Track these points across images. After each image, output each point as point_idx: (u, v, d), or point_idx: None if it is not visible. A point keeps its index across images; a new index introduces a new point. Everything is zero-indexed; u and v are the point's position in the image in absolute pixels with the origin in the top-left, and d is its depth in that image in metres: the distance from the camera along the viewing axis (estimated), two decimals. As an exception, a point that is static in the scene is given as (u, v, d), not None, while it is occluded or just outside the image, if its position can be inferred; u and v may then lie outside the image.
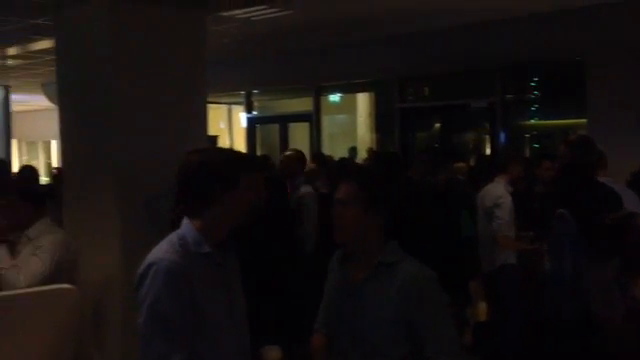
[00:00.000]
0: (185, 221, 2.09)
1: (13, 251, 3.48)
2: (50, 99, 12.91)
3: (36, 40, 7.70)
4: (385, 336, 2.14)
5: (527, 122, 8.96)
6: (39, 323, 0.69)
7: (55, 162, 17.18)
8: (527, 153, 8.52)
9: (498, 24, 7.94)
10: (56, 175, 6.81)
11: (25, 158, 18.05)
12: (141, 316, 1.95)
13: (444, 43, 8.64)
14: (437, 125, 10.04)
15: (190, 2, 4.36)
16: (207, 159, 2.08)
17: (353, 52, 9.54)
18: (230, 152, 2.21)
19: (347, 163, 7.52)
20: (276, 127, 11.90)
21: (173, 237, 2.07)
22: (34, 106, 15.85)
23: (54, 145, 17.85)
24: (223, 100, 12.98)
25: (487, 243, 4.81)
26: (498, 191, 4.75)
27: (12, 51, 8.85)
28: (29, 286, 3.10)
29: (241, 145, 12.45)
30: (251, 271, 2.39)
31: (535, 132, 9.02)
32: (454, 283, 3.83)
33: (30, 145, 18.75)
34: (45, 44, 7.90)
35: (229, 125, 14.15)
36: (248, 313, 2.22)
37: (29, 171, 6.42)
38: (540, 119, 8.83)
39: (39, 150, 18.67)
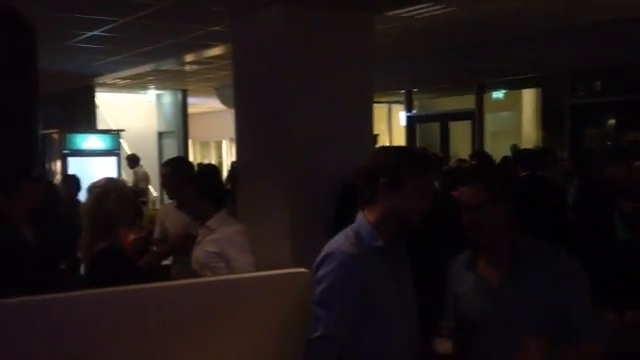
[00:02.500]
0: (359, 215, 2.21)
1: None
2: (223, 102, 13.74)
3: (211, 47, 8.23)
4: (539, 327, 2.09)
5: None
6: (275, 307, 0.75)
7: (225, 161, 18.26)
8: None
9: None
10: (232, 172, 7.28)
11: (198, 157, 19.28)
12: (315, 297, 2.05)
13: (619, 35, 8.06)
14: (611, 122, 9.41)
15: (358, 4, 4.45)
16: (378, 157, 2.19)
17: (518, 46, 9.19)
18: (403, 152, 2.26)
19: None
20: (436, 126, 11.78)
21: (349, 230, 2.18)
22: (207, 108, 16.93)
23: (224, 145, 18.97)
24: (383, 99, 13.07)
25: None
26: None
27: (189, 58, 9.52)
28: None
29: (401, 144, 12.48)
30: (423, 268, 2.41)
31: None
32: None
33: (203, 145, 20.00)
34: (219, 50, 8.45)
35: (389, 124, 14.23)
36: (419, 308, 2.26)
37: (210, 168, 6.93)
38: None
39: (211, 149, 19.89)
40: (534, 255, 2.18)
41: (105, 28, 6.72)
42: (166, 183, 4.76)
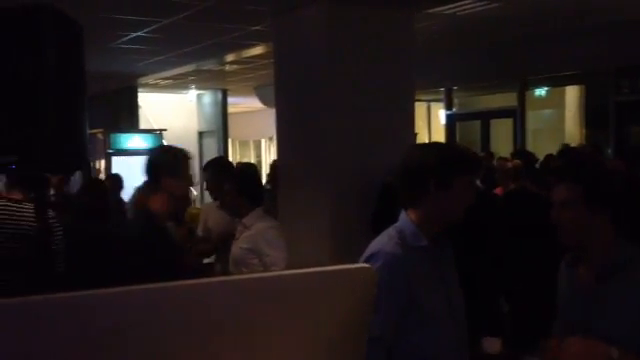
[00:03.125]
0: (402, 214, 2.17)
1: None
2: (262, 101, 13.82)
3: (252, 46, 8.29)
4: (629, 336, 2.00)
5: None
6: (337, 304, 0.75)
7: (264, 160, 18.37)
8: None
9: None
10: (272, 169, 7.32)
11: (238, 156, 19.43)
12: None
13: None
14: (658, 119, 9.17)
15: (400, 2, 4.44)
16: (425, 157, 2.12)
17: (562, 42, 9.03)
18: (450, 151, 2.22)
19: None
20: (477, 124, 11.65)
21: (392, 230, 2.15)
22: (246, 108, 17.05)
23: (263, 144, 19.08)
24: (422, 98, 12.98)
25: None
26: None
27: (230, 57, 9.60)
28: None
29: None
30: (469, 268, 2.39)
31: None
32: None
33: (242, 144, 20.16)
34: (259, 50, 8.51)
35: (428, 122, 14.13)
36: (467, 308, 2.23)
37: (249, 166, 6.98)
38: None
39: (250, 148, 20.03)
40: (630, 263, 2.03)
41: (149, 29, 6.84)
42: (208, 186, 4.82)
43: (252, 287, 0.85)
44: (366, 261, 2.06)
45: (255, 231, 3.71)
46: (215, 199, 4.84)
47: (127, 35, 7.23)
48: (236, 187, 3.87)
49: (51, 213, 3.78)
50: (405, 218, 2.15)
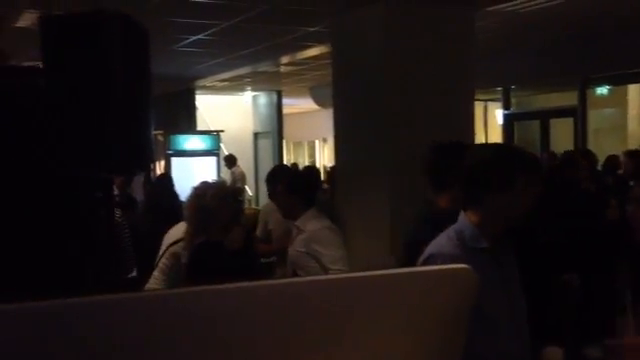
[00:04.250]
0: (461, 215, 2.13)
1: None
2: (317, 102, 13.87)
3: (308, 47, 8.32)
4: None
5: None
6: (434, 306, 0.74)
7: (318, 161, 18.41)
8: None
9: None
10: (330, 173, 7.35)
11: (292, 157, 19.53)
12: None
13: None
14: None
15: (459, 0, 4.39)
16: (487, 157, 2.10)
17: (624, 40, 8.76)
18: (510, 151, 2.19)
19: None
20: (535, 124, 11.41)
21: (450, 231, 2.12)
22: (300, 109, 17.12)
23: (317, 145, 19.14)
24: (479, 97, 12.79)
25: None
26: None
27: (286, 59, 9.66)
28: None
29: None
30: (533, 271, 2.34)
31: None
32: None
33: (296, 145, 20.25)
34: (316, 51, 8.53)
35: (484, 123, 13.91)
36: (529, 313, 2.18)
37: (310, 169, 7.07)
38: None
39: (304, 149, 20.11)
40: None
41: (209, 32, 6.95)
42: (268, 186, 4.83)
43: (350, 285, 0.84)
44: (424, 263, 2.04)
45: (308, 234, 3.72)
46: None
47: (187, 38, 7.36)
48: (287, 187, 3.89)
49: (118, 213, 3.88)
50: (464, 219, 2.11)
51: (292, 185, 3.87)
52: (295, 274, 3.79)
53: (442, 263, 1.98)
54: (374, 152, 4.39)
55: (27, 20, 6.06)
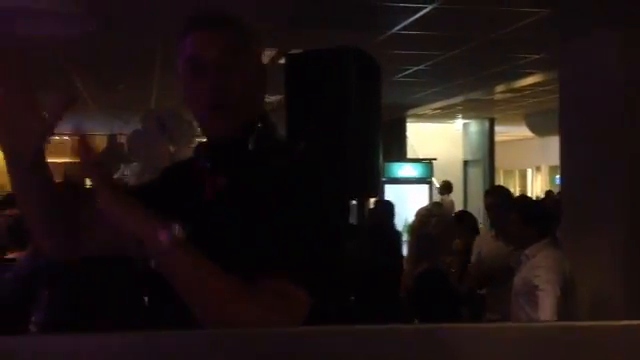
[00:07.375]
0: None
1: None
2: (532, 130, 13.40)
3: (526, 75, 8.13)
4: None
5: None
6: None
7: (530, 191, 17.71)
8: None
9: None
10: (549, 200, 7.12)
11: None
12: None
13: None
14: None
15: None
16: None
17: None
18: None
19: None
20: None
21: None
22: (511, 136, 16.64)
23: (529, 174, 18.42)
24: None
25: None
26: None
27: (500, 87, 9.50)
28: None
29: None
30: None
31: None
32: None
33: (507, 173, 19.70)
34: (533, 79, 8.29)
35: None
36: None
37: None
38: None
39: (515, 178, 19.48)
40: None
41: (430, 62, 7.09)
42: (489, 212, 4.83)
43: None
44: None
45: (536, 262, 3.66)
46: (493, 227, 4.83)
47: (409, 69, 7.58)
48: (521, 215, 3.84)
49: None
50: None
51: (528, 214, 3.84)
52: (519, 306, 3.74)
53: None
54: (607, 180, 4.20)
55: (265, 58, 6.67)
